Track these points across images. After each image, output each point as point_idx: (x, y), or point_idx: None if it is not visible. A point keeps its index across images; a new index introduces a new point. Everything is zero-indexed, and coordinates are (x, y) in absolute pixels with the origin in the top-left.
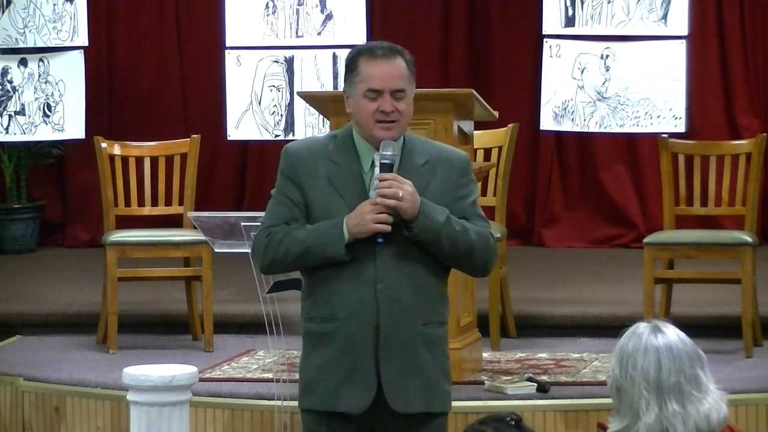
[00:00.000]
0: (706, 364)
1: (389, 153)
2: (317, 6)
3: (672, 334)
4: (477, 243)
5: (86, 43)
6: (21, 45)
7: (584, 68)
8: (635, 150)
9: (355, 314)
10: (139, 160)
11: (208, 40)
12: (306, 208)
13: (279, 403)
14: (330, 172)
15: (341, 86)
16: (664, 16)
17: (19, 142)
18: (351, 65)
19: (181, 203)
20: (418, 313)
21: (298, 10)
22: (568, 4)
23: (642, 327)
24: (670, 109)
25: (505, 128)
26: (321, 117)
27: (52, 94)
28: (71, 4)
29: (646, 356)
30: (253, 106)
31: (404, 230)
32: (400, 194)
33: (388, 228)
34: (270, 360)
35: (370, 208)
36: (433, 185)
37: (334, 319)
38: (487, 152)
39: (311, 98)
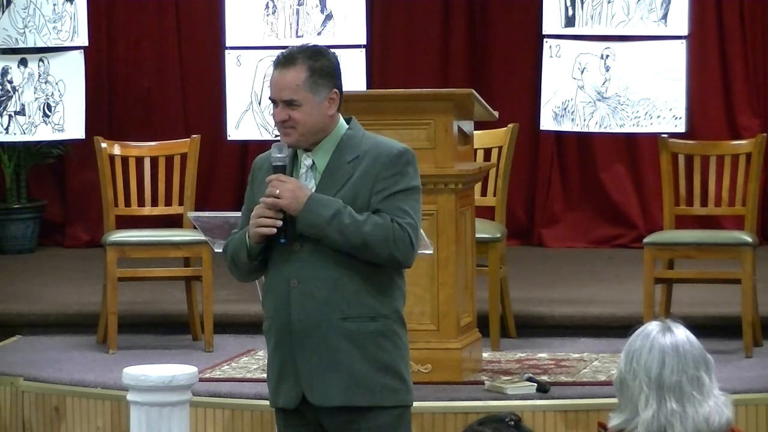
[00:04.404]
0: (713, 369)
1: (277, 155)
2: (317, 6)
3: (681, 334)
4: (374, 235)
5: (86, 43)
6: (21, 45)
7: (584, 68)
8: (635, 150)
9: (277, 311)
10: (139, 160)
11: (208, 40)
12: None
13: None
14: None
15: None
16: (664, 16)
17: (19, 142)
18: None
19: (181, 203)
20: (335, 308)
21: (298, 10)
22: (568, 4)
23: (653, 325)
24: (670, 109)
25: (505, 128)
26: None
27: (52, 94)
28: (71, 4)
29: (651, 353)
30: (253, 106)
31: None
32: (277, 192)
33: (268, 230)
34: None
35: (256, 212)
36: (353, 180)
37: (269, 317)
38: (487, 152)
39: None
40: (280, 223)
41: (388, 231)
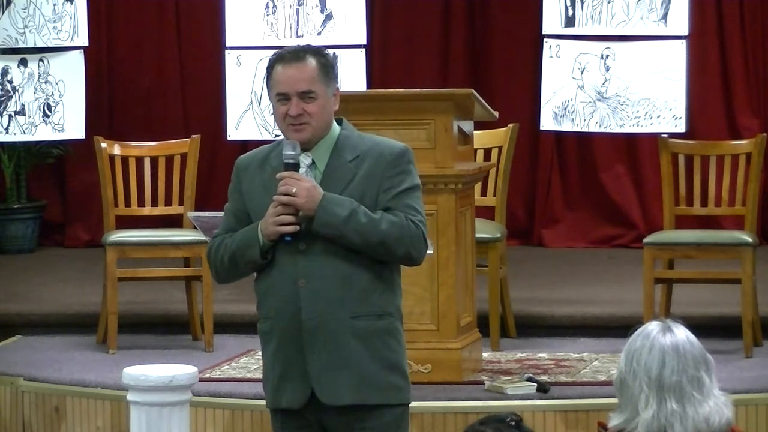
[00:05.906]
0: (713, 369)
1: (290, 152)
2: (317, 6)
3: (681, 334)
4: (390, 233)
5: (86, 43)
6: (21, 45)
7: (584, 68)
8: (635, 150)
9: (281, 311)
10: (139, 160)
11: (208, 40)
12: (248, 216)
13: None
14: (265, 177)
15: (340, 87)
16: (664, 16)
17: (19, 142)
18: (267, 71)
19: (181, 203)
20: (344, 306)
21: (298, 10)
22: (568, 4)
23: (653, 325)
24: (670, 109)
25: (505, 128)
26: None
27: (52, 94)
28: (71, 4)
29: (651, 353)
30: (253, 106)
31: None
32: (293, 191)
33: (292, 228)
34: None
35: (272, 210)
36: (357, 179)
37: (269, 318)
38: (487, 152)
39: None
40: (291, 219)
41: (403, 229)
